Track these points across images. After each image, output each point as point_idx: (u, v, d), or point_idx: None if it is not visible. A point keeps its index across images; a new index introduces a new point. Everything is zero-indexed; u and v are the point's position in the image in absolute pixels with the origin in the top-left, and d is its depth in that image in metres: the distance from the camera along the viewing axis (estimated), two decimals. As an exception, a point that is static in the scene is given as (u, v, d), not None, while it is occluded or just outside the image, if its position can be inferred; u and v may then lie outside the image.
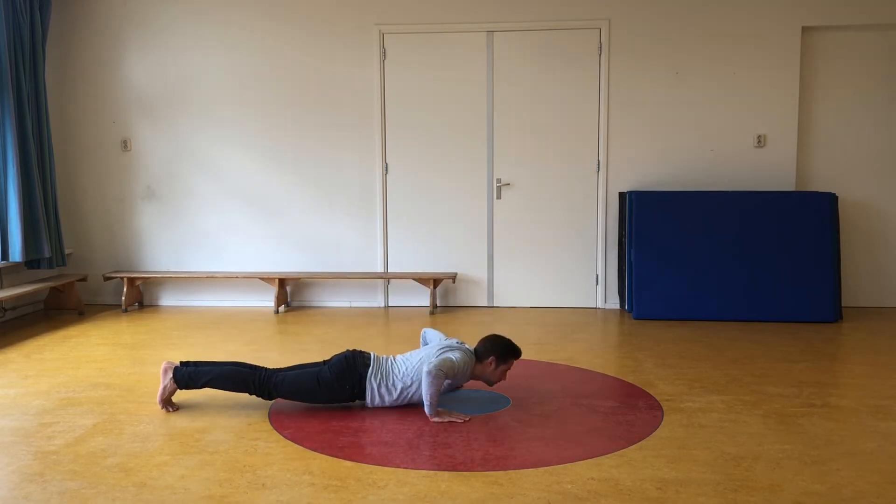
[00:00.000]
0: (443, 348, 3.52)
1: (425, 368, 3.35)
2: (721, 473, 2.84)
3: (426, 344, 3.78)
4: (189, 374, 3.52)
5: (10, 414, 3.57)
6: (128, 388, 3.98)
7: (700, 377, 4.12)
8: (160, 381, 3.59)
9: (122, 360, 4.58)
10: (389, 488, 2.71)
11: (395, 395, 3.50)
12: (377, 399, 3.50)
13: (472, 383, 3.98)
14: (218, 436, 3.25)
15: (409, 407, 3.55)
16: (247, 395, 3.66)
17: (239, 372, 3.52)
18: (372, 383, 3.48)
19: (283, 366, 3.79)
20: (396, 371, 3.52)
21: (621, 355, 4.64)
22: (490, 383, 3.64)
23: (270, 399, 3.55)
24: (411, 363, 3.53)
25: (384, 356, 3.61)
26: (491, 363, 3.56)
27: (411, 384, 3.48)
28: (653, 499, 2.62)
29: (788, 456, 3.00)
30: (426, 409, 3.38)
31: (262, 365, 3.69)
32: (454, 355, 3.45)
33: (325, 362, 3.56)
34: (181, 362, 3.58)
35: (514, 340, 3.66)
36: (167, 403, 3.57)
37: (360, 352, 3.58)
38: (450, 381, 3.50)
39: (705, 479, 2.78)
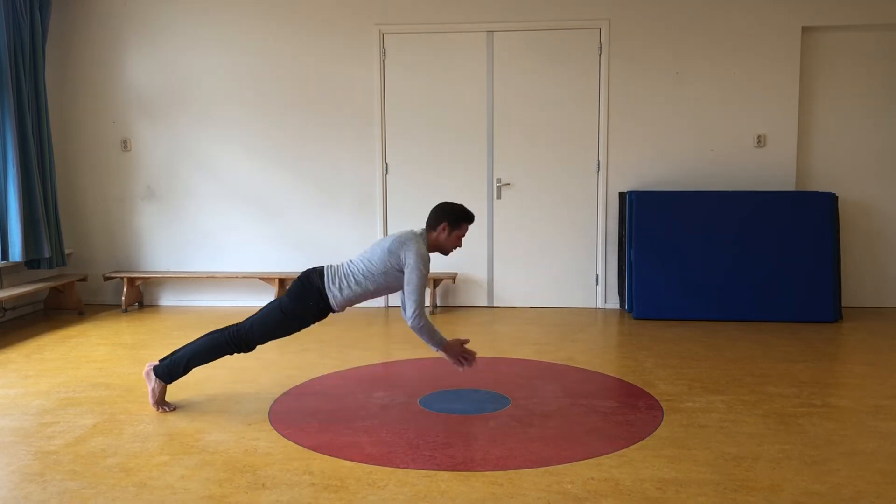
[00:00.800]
0: (396, 241, 3.48)
1: (410, 324, 3.41)
2: (721, 473, 2.84)
3: None
4: (168, 367, 3.53)
5: (10, 414, 3.57)
6: (128, 388, 3.98)
7: (700, 377, 4.12)
8: (147, 385, 3.58)
9: (122, 360, 4.58)
10: (389, 488, 2.71)
11: (359, 291, 3.50)
12: (343, 302, 3.51)
13: (470, 383, 3.98)
14: (218, 436, 3.25)
15: (409, 406, 3.54)
16: (246, 393, 3.66)
17: (210, 340, 3.53)
18: (332, 290, 3.49)
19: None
20: (356, 270, 3.52)
21: (621, 355, 4.64)
22: (446, 252, 3.64)
23: (250, 350, 3.55)
24: (373, 260, 3.50)
25: (337, 263, 3.61)
26: (444, 230, 3.56)
27: (377, 280, 3.49)
28: (653, 499, 2.62)
29: (788, 456, 3.00)
30: (435, 349, 3.47)
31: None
32: (412, 251, 3.43)
33: (284, 293, 3.58)
34: (159, 360, 3.59)
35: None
36: (161, 404, 3.57)
37: (314, 268, 3.59)
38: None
39: (705, 479, 2.78)
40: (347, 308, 3.59)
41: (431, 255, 3.62)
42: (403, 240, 3.50)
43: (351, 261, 3.59)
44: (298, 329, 3.57)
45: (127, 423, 3.43)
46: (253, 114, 6.24)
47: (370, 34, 6.10)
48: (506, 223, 6.18)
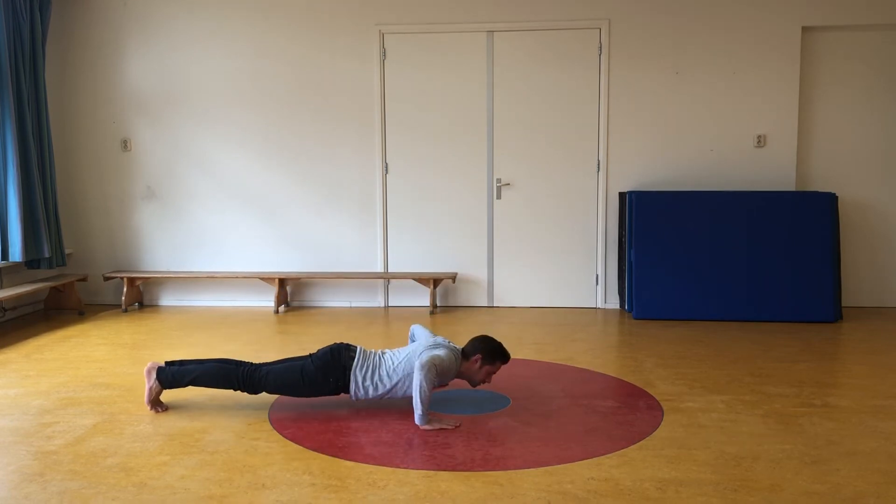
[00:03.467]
0: (430, 346, 3.48)
1: (417, 363, 3.30)
2: (721, 473, 2.84)
3: (413, 341, 3.76)
4: (173, 374, 3.51)
5: (10, 414, 3.57)
6: (128, 388, 3.98)
7: (700, 377, 4.12)
8: (145, 382, 3.58)
9: (122, 360, 4.58)
10: (389, 488, 2.71)
11: (380, 390, 3.45)
12: (361, 392, 3.46)
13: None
14: (218, 436, 3.25)
15: (408, 407, 3.54)
16: (247, 395, 3.66)
17: (223, 368, 3.50)
18: (357, 376, 3.44)
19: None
20: (384, 365, 3.48)
21: (621, 355, 4.64)
22: (474, 384, 3.59)
23: (255, 394, 3.52)
24: (398, 358, 3.49)
25: (371, 350, 3.57)
26: (476, 361, 3.51)
27: (398, 379, 3.44)
28: (653, 499, 2.62)
29: (788, 456, 3.00)
30: (416, 415, 3.30)
31: (249, 361, 3.68)
32: (442, 352, 3.41)
33: (310, 355, 3.54)
34: (166, 362, 3.58)
35: (507, 344, 3.64)
36: (155, 404, 3.57)
37: (347, 345, 3.54)
38: (437, 380, 3.47)
39: (705, 479, 2.78)
40: (364, 400, 3.52)
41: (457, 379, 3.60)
42: (437, 345, 3.47)
43: (382, 352, 3.55)
44: (308, 396, 3.53)
45: (127, 423, 3.43)
46: (253, 114, 6.24)
47: (370, 34, 6.10)
48: (506, 223, 6.18)
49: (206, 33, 6.21)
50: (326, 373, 3.45)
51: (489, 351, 3.52)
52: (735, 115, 5.98)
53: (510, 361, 4.46)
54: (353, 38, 6.12)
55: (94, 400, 3.78)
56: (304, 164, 6.25)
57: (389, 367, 3.47)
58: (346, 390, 3.48)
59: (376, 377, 3.45)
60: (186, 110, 6.28)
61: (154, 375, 3.53)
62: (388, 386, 3.45)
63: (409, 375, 3.42)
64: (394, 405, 3.61)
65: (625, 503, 2.59)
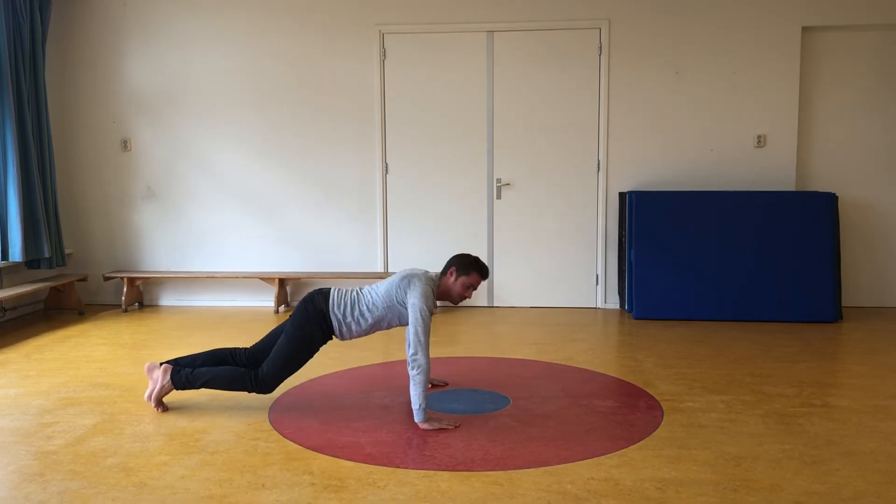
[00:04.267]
0: (406, 275, 3.47)
1: (408, 361, 3.29)
2: (721, 473, 2.84)
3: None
4: (187, 377, 3.51)
5: (10, 414, 3.57)
6: (128, 388, 3.98)
7: (700, 377, 4.12)
8: (149, 380, 3.58)
9: (122, 360, 4.58)
10: (389, 488, 2.71)
11: (363, 325, 3.47)
12: (345, 330, 3.47)
13: (470, 383, 3.98)
14: (218, 436, 3.25)
15: (408, 406, 3.54)
16: (247, 395, 3.66)
17: (235, 371, 3.50)
18: (336, 314, 3.46)
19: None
20: (363, 300, 3.49)
21: (621, 355, 4.64)
22: (454, 301, 3.58)
23: (270, 392, 3.52)
24: (378, 292, 3.49)
25: (347, 288, 3.58)
26: (452, 275, 3.53)
27: (380, 314, 3.46)
28: (653, 499, 2.62)
29: (788, 456, 3.00)
30: (416, 415, 3.30)
31: (243, 347, 3.69)
32: (417, 295, 3.36)
33: (287, 320, 3.55)
34: (166, 361, 3.58)
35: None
36: (160, 404, 3.57)
37: (319, 290, 3.55)
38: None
39: (705, 479, 2.78)
40: (352, 339, 3.55)
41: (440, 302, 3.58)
42: (411, 276, 3.47)
43: (360, 289, 3.56)
44: (309, 356, 3.52)
45: (127, 423, 3.43)
46: (253, 114, 6.24)
47: (370, 34, 6.10)
48: (506, 223, 6.18)
49: (206, 33, 6.21)
50: (309, 324, 3.45)
51: (464, 263, 3.54)
52: (735, 115, 5.98)
53: (511, 361, 4.47)
54: (353, 38, 6.12)
55: (94, 400, 3.78)
56: (304, 164, 6.25)
57: (369, 301, 3.48)
58: (332, 331, 3.49)
59: (356, 312, 3.47)
60: (186, 110, 6.28)
61: (167, 377, 3.52)
62: (370, 320, 3.47)
63: (392, 308, 3.45)
64: (397, 403, 3.61)
65: (625, 503, 2.59)
